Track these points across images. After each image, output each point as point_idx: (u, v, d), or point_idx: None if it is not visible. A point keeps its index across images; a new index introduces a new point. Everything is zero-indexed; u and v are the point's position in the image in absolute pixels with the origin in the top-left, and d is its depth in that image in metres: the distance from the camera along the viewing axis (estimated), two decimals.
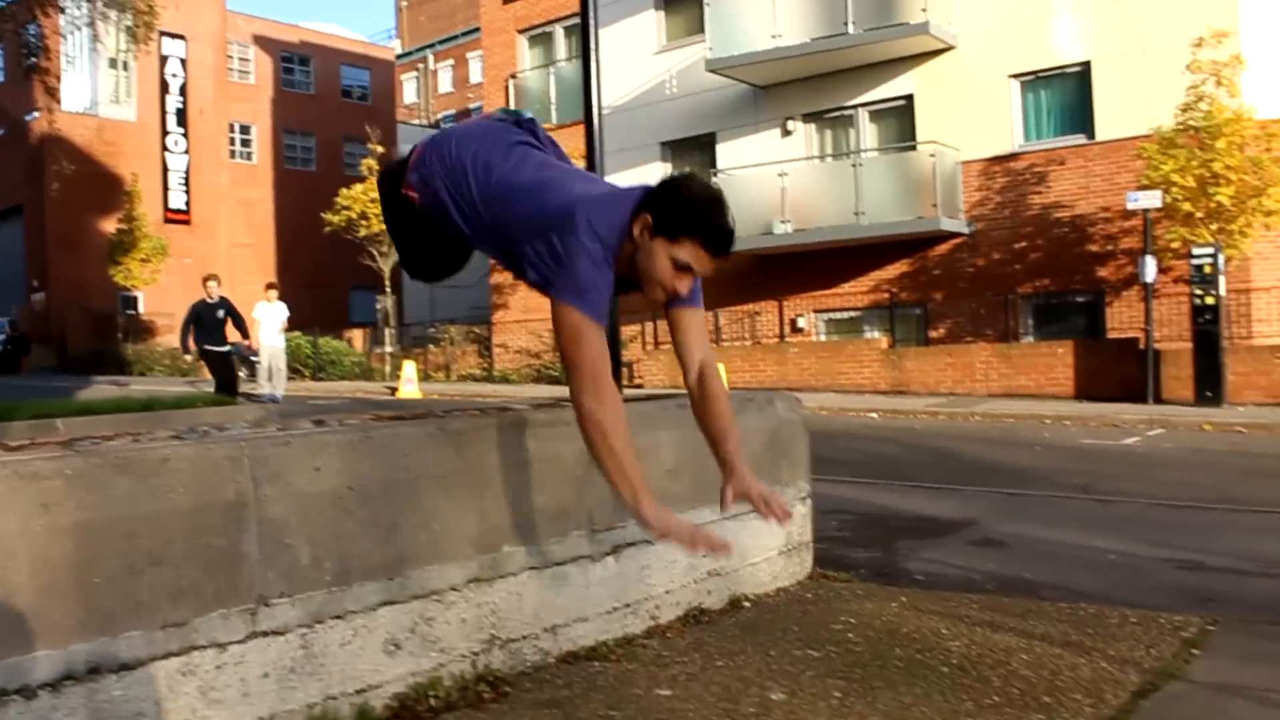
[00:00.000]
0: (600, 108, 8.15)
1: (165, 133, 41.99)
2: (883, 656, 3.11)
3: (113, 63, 39.01)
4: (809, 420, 12.17)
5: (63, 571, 2.05)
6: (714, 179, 21.11)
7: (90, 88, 39.53)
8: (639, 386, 20.42)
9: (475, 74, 60.99)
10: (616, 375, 7.11)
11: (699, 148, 23.24)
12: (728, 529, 3.79)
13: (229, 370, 15.99)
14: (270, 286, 19.48)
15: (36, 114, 37.21)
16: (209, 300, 15.44)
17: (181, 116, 42.41)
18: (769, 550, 4.00)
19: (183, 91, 42.37)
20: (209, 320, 15.35)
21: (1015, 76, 19.30)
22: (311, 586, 2.45)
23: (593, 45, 7.40)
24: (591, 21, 7.00)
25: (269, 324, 17.76)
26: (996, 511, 6.29)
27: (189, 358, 16.72)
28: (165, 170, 41.93)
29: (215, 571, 2.27)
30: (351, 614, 2.53)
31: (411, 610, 2.68)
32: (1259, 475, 8.15)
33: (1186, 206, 15.03)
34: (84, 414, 5.57)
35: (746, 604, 3.79)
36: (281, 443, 2.44)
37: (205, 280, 15.91)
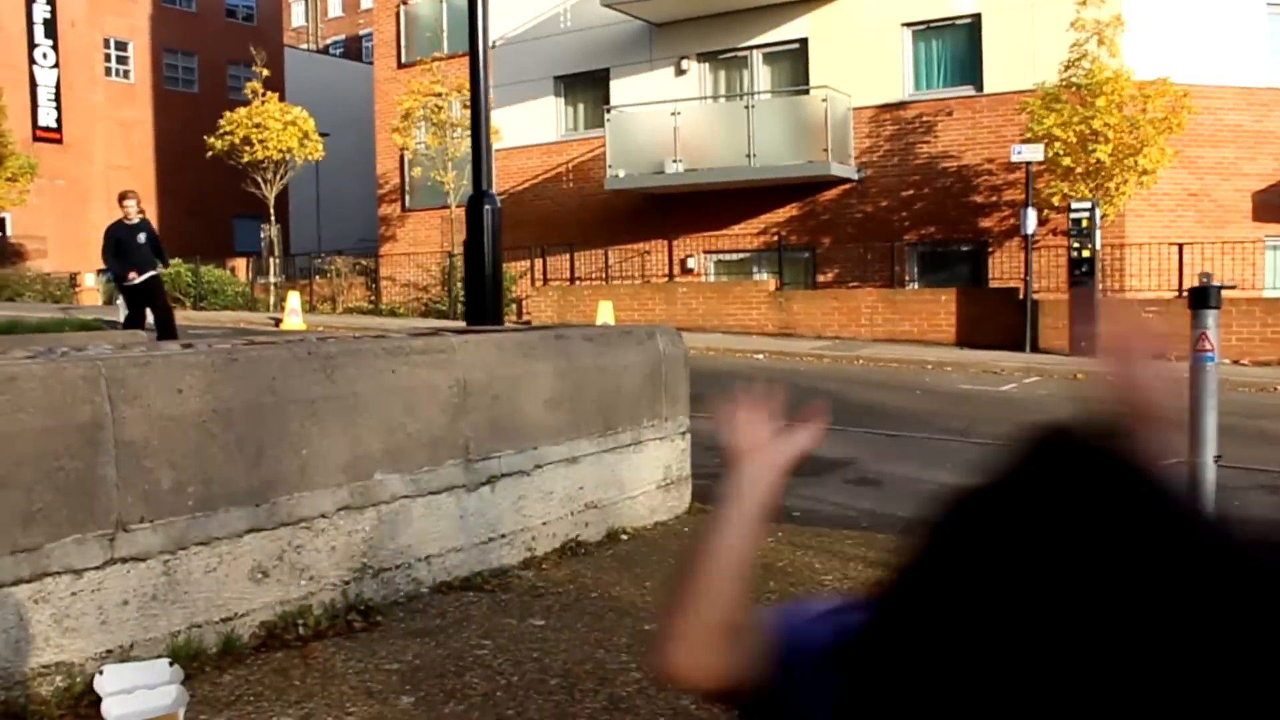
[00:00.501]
0: (487, 40, 8.03)
1: (32, 45, 39.93)
2: (757, 590, 3.15)
3: None
4: (695, 360, 12.24)
5: None
6: (607, 116, 20.98)
7: None
8: (527, 323, 20.30)
9: None
10: (499, 312, 7.04)
11: (593, 83, 22.99)
12: (605, 461, 3.80)
13: (149, 300, 13.64)
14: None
15: None
16: (127, 221, 13.46)
17: (50, 27, 40.35)
18: (647, 484, 4.02)
19: (51, 1, 40.31)
20: (128, 244, 13.28)
21: (908, 25, 19.47)
22: (174, 512, 2.37)
23: None
24: None
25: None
26: (876, 453, 6.43)
27: (134, 278, 13.65)
28: (33, 85, 39.95)
29: (70, 495, 2.18)
30: (217, 540, 2.46)
31: (280, 538, 2.62)
32: None
33: (1067, 161, 15.43)
34: None
35: (624, 537, 3.81)
36: (141, 363, 2.34)
37: (122, 198, 13.81)
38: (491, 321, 5.64)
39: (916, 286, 19.34)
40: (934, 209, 19.12)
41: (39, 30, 39.82)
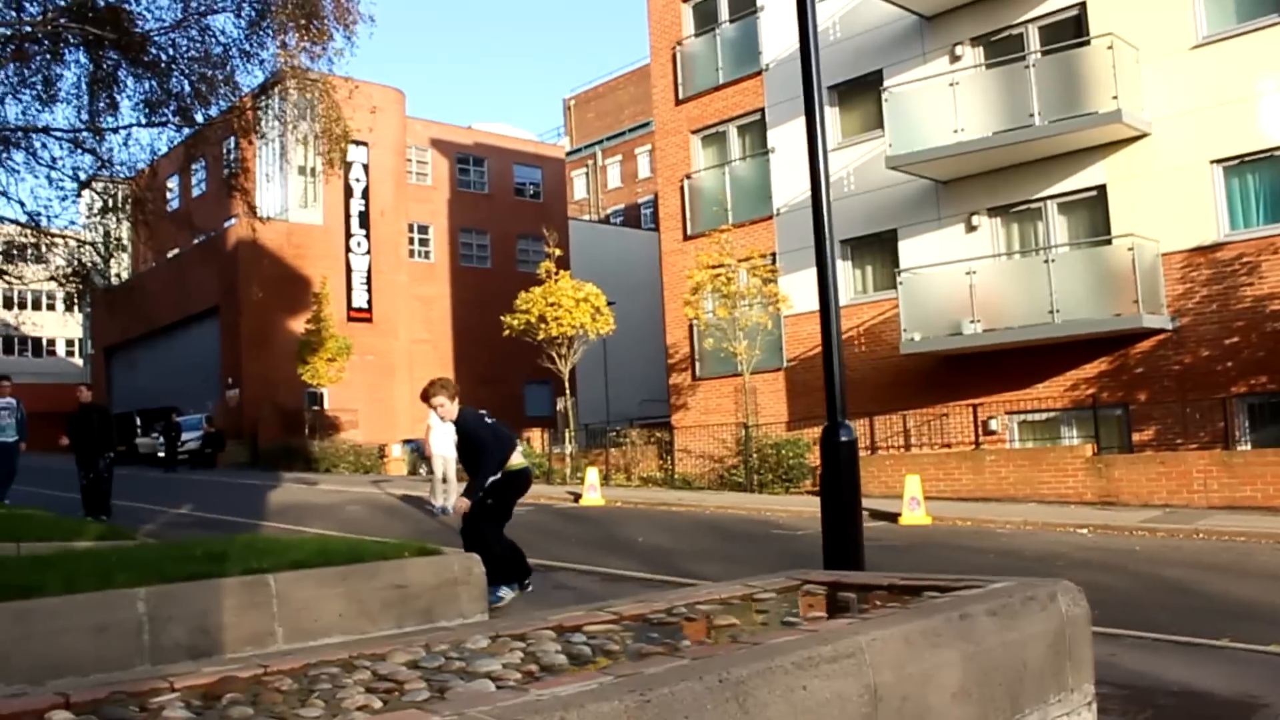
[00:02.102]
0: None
1: (349, 235, 43.88)
2: None
3: (301, 170, 41.01)
4: (1013, 537, 11.45)
5: None
6: (898, 279, 20.59)
7: (281, 195, 41.64)
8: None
9: (643, 169, 62.04)
10: (836, 411, 6.72)
11: (880, 244, 22.74)
12: None
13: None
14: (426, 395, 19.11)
15: (234, 220, 39.40)
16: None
17: (364, 219, 44.29)
18: None
19: (365, 195, 44.28)
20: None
21: (1217, 162, 18.25)
22: None
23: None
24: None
25: (442, 432, 15.97)
26: (1278, 685, 5.56)
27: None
28: (349, 270, 43.73)
29: None
30: None
31: None
32: None
33: None
34: (294, 568, 5.44)
35: None
36: (541, 713, 2.13)
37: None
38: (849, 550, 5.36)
39: (1249, 443, 17.62)
40: (1265, 356, 17.49)
41: (354, 222, 43.73)
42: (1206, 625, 7.28)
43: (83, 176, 18.90)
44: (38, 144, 17.97)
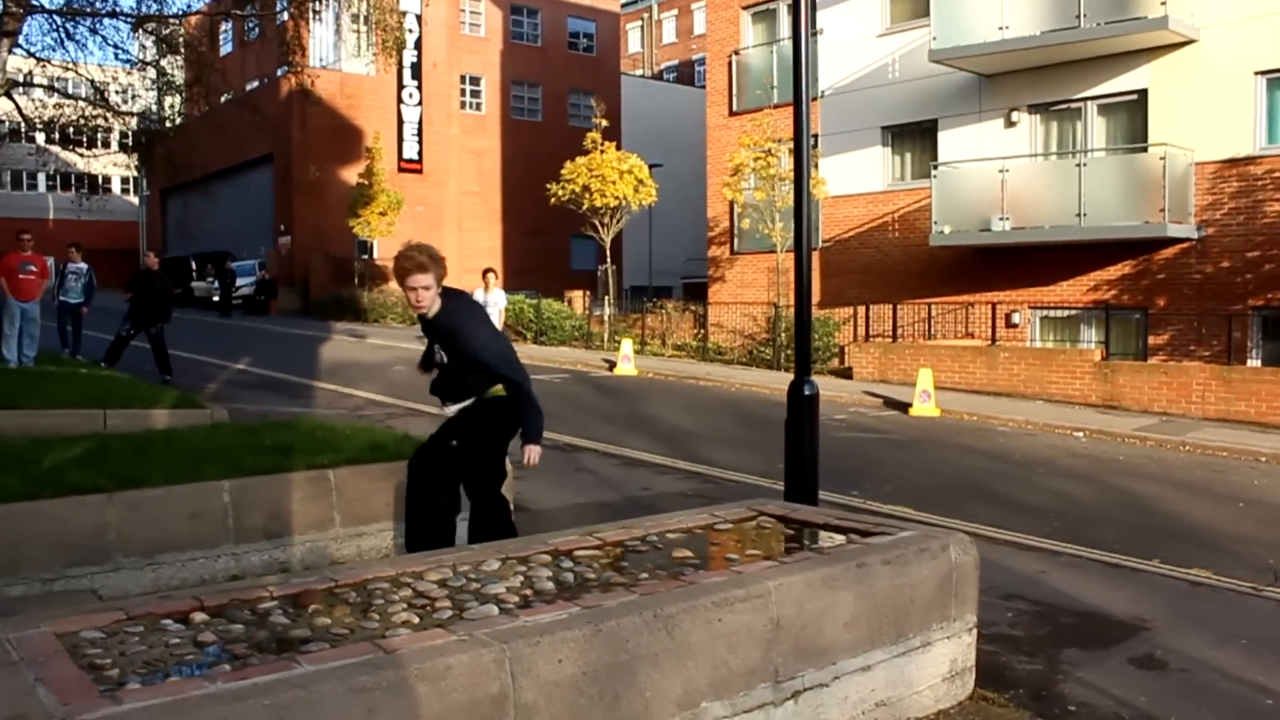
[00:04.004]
0: (807, 91, 8.55)
1: (401, 86, 44.23)
2: None
3: (355, 19, 41.23)
4: (1011, 437, 12.43)
5: None
6: (934, 172, 21.08)
7: (333, 44, 41.93)
8: (849, 374, 20.71)
9: (699, 24, 61.28)
10: (804, 368, 7.66)
11: (920, 134, 23.13)
12: (895, 664, 4.33)
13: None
14: (488, 272, 19.66)
15: (287, 69, 39.94)
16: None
17: (416, 70, 44.53)
18: (934, 679, 4.51)
19: (417, 46, 44.36)
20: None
21: (1262, 73, 18.44)
22: None
23: (804, 32, 7.81)
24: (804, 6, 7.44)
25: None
26: (1173, 611, 6.51)
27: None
28: (400, 122, 44.26)
29: None
30: None
31: None
32: None
33: None
34: (350, 464, 6.50)
35: None
36: (533, 642, 3.14)
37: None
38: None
39: (1259, 355, 18.28)
40: None
41: (407, 73, 43.99)
42: (1146, 546, 8.24)
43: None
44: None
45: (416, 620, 3.45)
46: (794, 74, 7.23)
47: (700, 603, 3.60)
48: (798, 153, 7.20)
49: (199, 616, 3.45)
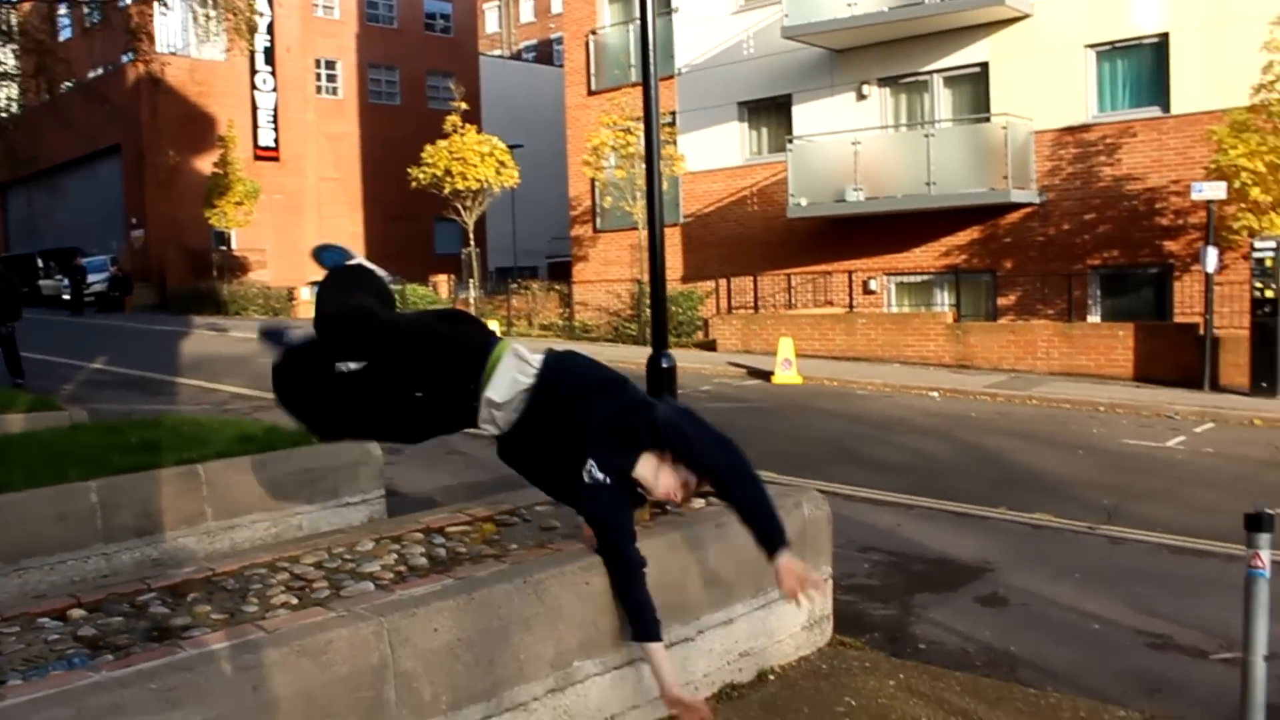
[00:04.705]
0: (656, 70, 8.79)
1: (254, 71, 43.10)
2: None
3: (202, 2, 39.98)
4: (869, 400, 12.93)
5: None
6: (789, 146, 21.61)
7: (181, 29, 40.65)
8: (713, 346, 21.15)
9: (556, 3, 61.18)
10: (661, 342, 7.93)
11: (775, 109, 23.65)
12: (756, 616, 4.61)
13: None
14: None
15: (132, 56, 38.56)
16: None
17: (269, 55, 43.45)
18: (793, 628, 4.81)
19: (270, 30, 43.27)
20: None
21: (1091, 46, 19.42)
22: (432, 714, 3.32)
23: (650, 11, 8.08)
24: None
25: None
26: (1014, 552, 6.99)
27: None
28: (254, 109, 43.16)
29: (367, 715, 3.15)
30: None
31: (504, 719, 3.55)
32: None
33: (1256, 193, 15.18)
34: (219, 457, 6.52)
35: (772, 677, 4.62)
36: (410, 614, 3.30)
37: None
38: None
39: (1098, 311, 19.32)
40: (1117, 232, 19.06)
41: (260, 58, 42.90)
42: (994, 495, 8.76)
43: None
44: None
45: (295, 601, 3.57)
46: (642, 51, 7.46)
47: (568, 568, 3.81)
48: (648, 129, 7.45)
49: (76, 613, 3.51)
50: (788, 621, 4.78)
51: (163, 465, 6.31)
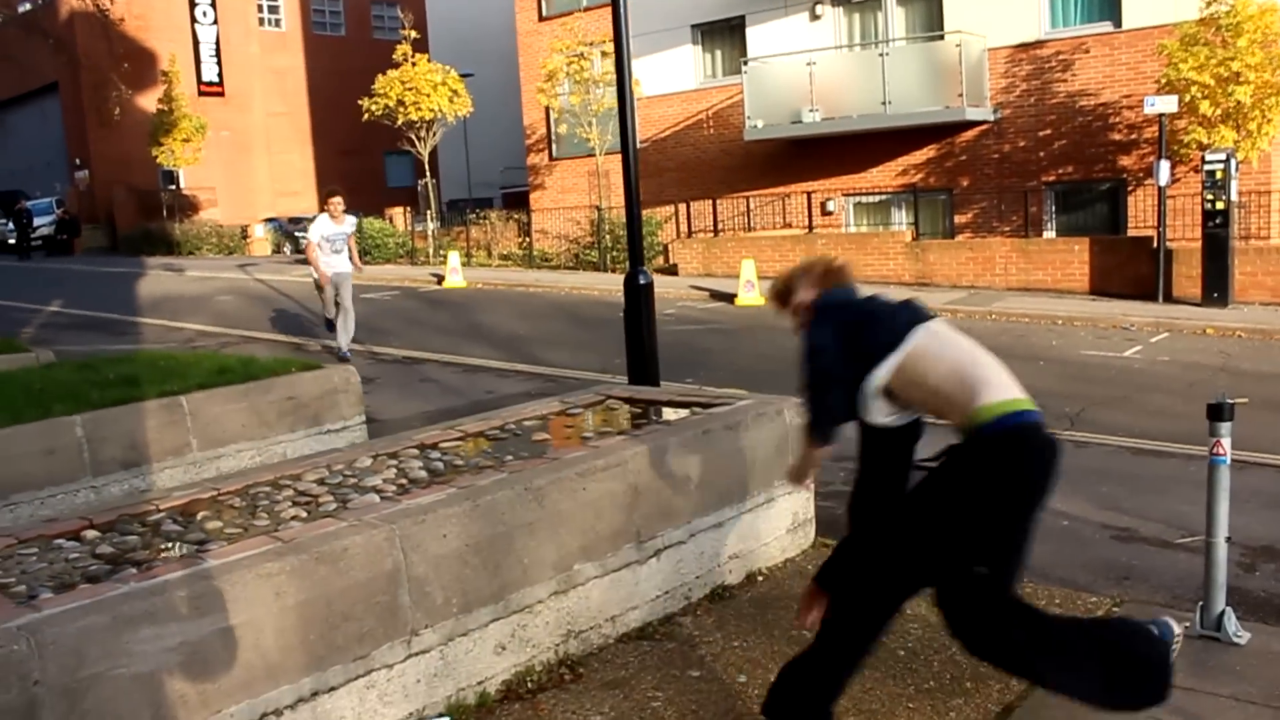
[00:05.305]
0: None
1: (193, 4, 42.09)
2: None
3: None
4: None
5: (291, 634, 3.06)
6: (744, 68, 21.54)
7: None
8: (674, 270, 21.24)
9: None
10: (637, 259, 8.09)
11: (729, 31, 23.51)
12: (744, 520, 4.78)
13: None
14: (332, 195, 12.62)
15: None
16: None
17: None
18: (779, 531, 4.99)
19: None
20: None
21: None
22: (444, 617, 3.46)
23: None
24: None
25: (332, 245, 12.23)
26: None
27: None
28: (196, 43, 42.19)
29: (383, 618, 3.28)
30: (471, 631, 3.55)
31: (511, 621, 3.70)
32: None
33: (1205, 106, 15.38)
34: (201, 389, 6.55)
35: (760, 578, 4.80)
36: (419, 521, 3.42)
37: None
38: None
39: (1054, 227, 19.56)
40: (1071, 148, 19.23)
41: None
42: None
43: None
44: None
45: (305, 515, 3.68)
46: None
47: (565, 474, 3.94)
48: (618, 48, 7.53)
49: (91, 533, 3.60)
50: (774, 525, 4.96)
51: (145, 398, 6.36)
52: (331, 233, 12.15)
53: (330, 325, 12.51)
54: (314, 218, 12.96)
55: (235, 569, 3.04)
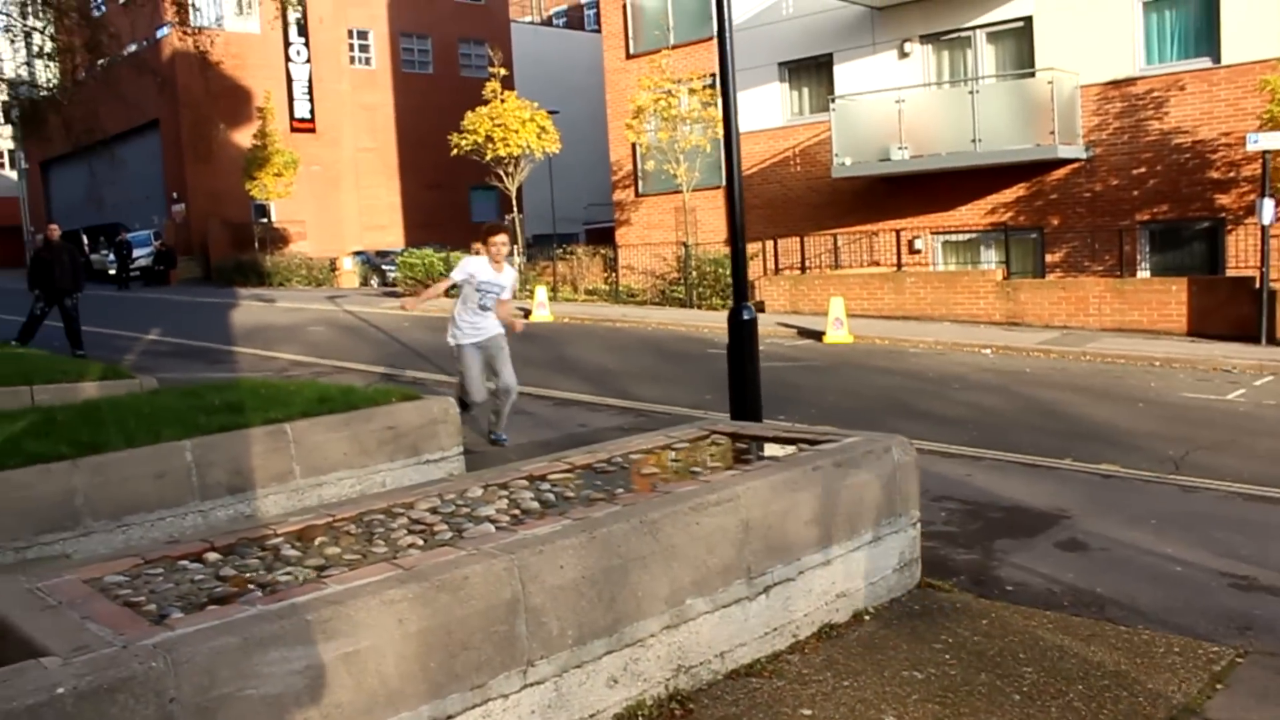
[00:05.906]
0: (730, 24, 8.81)
1: (287, 44, 43.26)
2: (970, 682, 4.02)
3: None
4: (923, 357, 13.02)
5: (412, 661, 3.07)
6: (831, 105, 21.51)
7: (212, 2, 40.78)
8: (761, 307, 21.17)
9: None
10: (741, 294, 8.03)
11: (816, 68, 23.52)
12: (852, 558, 4.70)
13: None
14: (494, 231, 9.02)
15: (167, 29, 38.74)
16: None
17: (302, 27, 43.58)
18: (885, 570, 4.90)
19: (302, 1, 43.38)
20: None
21: None
22: (560, 648, 3.45)
23: None
24: None
25: (481, 298, 8.97)
26: (1088, 500, 7.04)
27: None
28: (289, 80, 43.35)
29: (500, 648, 3.28)
30: (585, 663, 3.53)
31: (624, 654, 3.67)
32: None
33: None
34: (304, 416, 6.66)
35: (867, 617, 4.71)
36: (538, 551, 3.42)
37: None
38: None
39: (1148, 267, 19.17)
40: (1166, 186, 18.87)
41: (293, 30, 43.06)
42: (1058, 447, 8.80)
43: None
44: None
45: (421, 543, 3.70)
46: (717, 6, 7.65)
47: (679, 508, 3.91)
48: (724, 87, 7.59)
49: (212, 556, 3.66)
50: (880, 564, 4.88)
51: (250, 425, 6.47)
52: (488, 280, 8.74)
53: (466, 405, 8.80)
54: (460, 257, 8.58)
55: (359, 595, 3.06)
